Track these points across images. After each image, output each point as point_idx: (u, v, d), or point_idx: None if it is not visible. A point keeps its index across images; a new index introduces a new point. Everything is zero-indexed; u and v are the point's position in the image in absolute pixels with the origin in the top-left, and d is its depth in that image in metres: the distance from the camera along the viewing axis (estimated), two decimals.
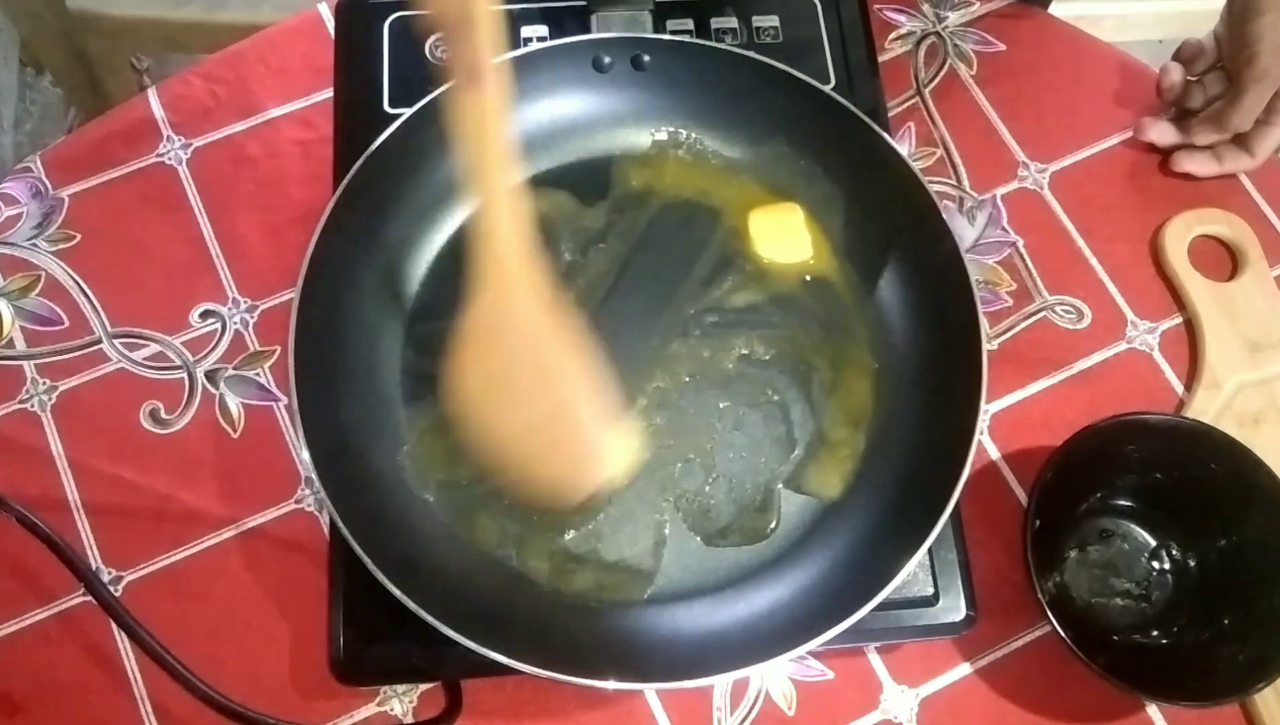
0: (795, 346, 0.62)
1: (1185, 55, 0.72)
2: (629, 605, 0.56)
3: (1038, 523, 0.57)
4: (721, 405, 0.61)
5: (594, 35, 0.66)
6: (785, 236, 0.64)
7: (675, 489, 0.59)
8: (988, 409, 0.65)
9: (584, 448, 0.54)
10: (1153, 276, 0.69)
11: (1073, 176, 0.72)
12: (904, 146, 0.71)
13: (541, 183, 0.65)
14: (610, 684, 0.50)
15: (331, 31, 0.71)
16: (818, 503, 0.59)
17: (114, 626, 0.57)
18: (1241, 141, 0.70)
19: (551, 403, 0.53)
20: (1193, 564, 0.60)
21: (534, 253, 0.51)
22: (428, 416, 0.59)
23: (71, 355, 0.64)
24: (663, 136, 0.67)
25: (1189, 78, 0.72)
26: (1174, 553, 0.61)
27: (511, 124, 0.49)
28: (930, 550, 0.56)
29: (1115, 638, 0.59)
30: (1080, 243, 0.70)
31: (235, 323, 0.65)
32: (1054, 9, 0.80)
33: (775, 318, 0.63)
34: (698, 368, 0.61)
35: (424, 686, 0.58)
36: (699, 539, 0.58)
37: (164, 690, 0.55)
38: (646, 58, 0.65)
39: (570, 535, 0.57)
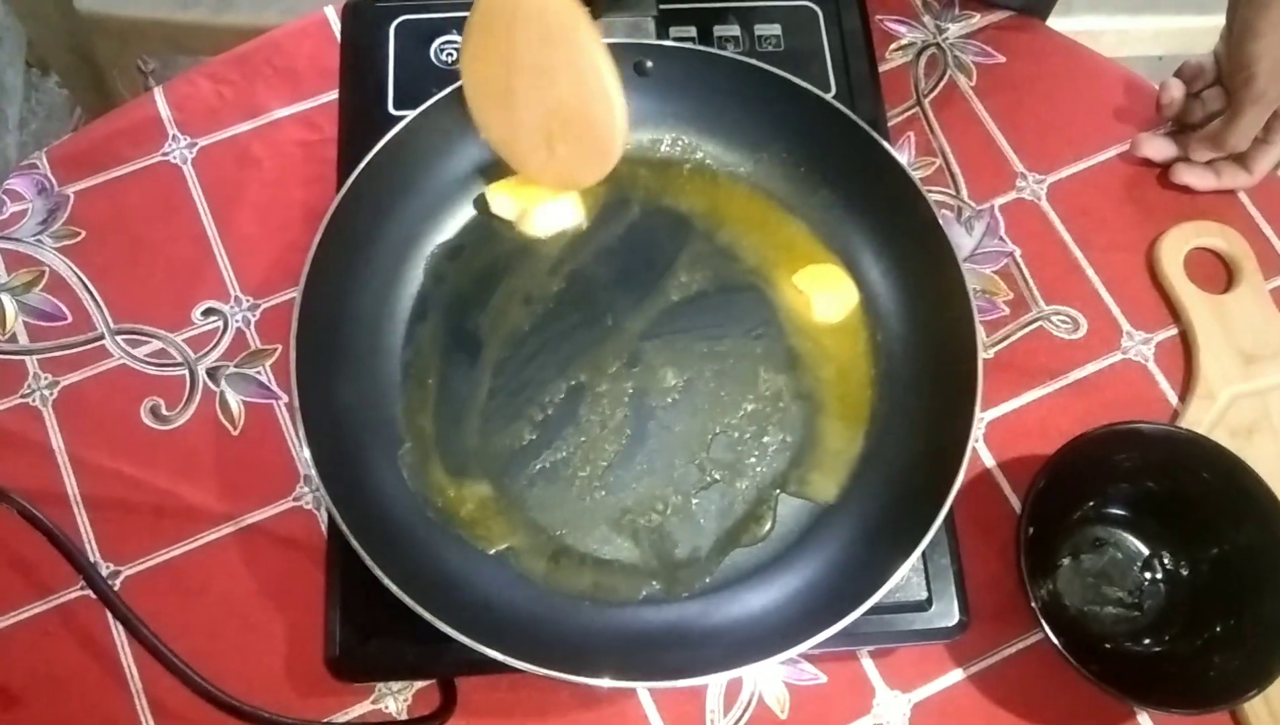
0: (793, 352, 0.63)
1: (1186, 75, 0.73)
2: (624, 605, 0.56)
3: (1031, 530, 0.57)
4: (719, 408, 0.61)
5: None
6: (832, 293, 0.64)
7: (672, 490, 0.59)
8: (983, 417, 0.65)
9: (599, 122, 0.57)
10: (1148, 288, 0.70)
11: (1070, 188, 0.72)
12: (903, 156, 0.71)
13: None
14: (605, 682, 0.50)
15: (337, 34, 0.72)
16: (814, 506, 0.59)
17: (111, 621, 0.57)
18: (1240, 159, 0.71)
19: (565, 82, 0.55)
20: (1185, 573, 0.61)
21: None
22: (426, 416, 0.60)
23: (74, 351, 0.64)
24: (664, 142, 0.67)
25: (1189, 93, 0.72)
26: (1166, 562, 0.61)
27: None
28: (924, 556, 0.57)
29: (1107, 645, 0.60)
30: (1077, 253, 0.70)
31: (237, 321, 0.65)
32: (1057, 24, 0.81)
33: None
34: (696, 371, 0.62)
35: (418, 685, 0.58)
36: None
37: (160, 684, 0.55)
38: (649, 63, 0.66)
39: (567, 535, 0.58)
